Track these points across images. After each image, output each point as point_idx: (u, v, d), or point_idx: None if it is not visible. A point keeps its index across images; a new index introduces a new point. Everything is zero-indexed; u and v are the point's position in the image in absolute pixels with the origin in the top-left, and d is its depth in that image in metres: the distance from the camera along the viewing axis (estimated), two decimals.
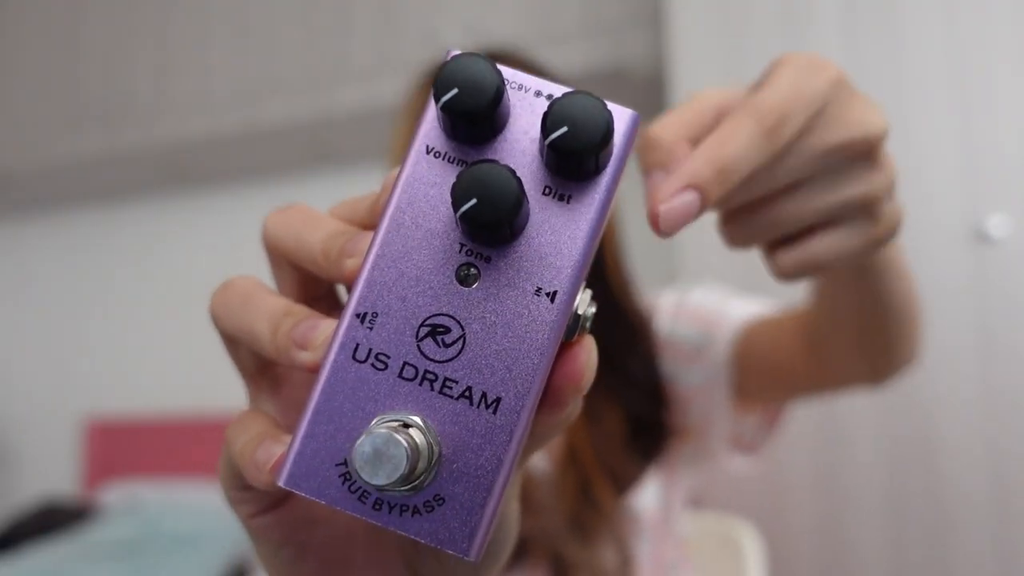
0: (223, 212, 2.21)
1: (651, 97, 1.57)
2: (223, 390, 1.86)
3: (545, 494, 0.66)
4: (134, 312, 2.26)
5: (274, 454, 0.21)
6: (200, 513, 1.76)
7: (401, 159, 0.21)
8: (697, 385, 0.70)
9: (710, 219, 0.37)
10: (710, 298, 0.74)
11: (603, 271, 0.74)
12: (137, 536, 1.69)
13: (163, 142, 1.93)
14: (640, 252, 1.05)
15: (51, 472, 2.27)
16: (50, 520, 1.88)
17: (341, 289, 0.27)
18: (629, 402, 0.70)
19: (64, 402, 2.28)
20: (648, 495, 0.71)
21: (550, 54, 1.46)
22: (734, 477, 1.09)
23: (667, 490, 0.73)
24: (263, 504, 0.25)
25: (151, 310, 2.24)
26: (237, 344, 0.25)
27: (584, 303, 0.21)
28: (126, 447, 2.12)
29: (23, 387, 2.36)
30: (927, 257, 1.06)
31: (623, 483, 0.68)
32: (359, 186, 2.03)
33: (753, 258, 1.20)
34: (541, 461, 0.69)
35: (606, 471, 0.67)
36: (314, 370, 0.20)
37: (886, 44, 1.13)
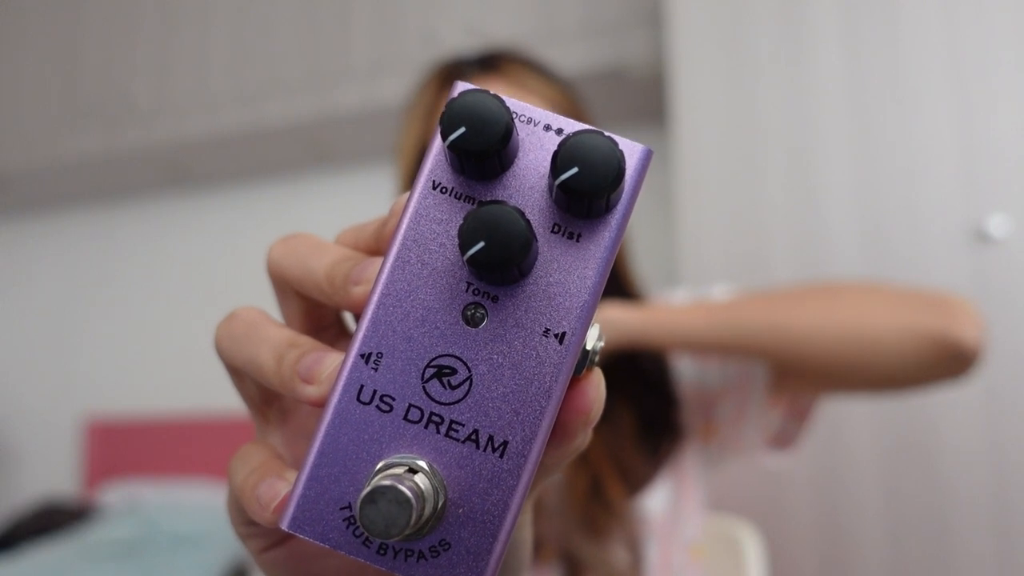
0: (223, 212, 2.21)
1: (651, 97, 1.57)
2: (223, 390, 1.86)
3: (555, 494, 0.66)
4: (134, 312, 2.26)
5: (278, 492, 0.20)
6: (200, 513, 1.76)
7: (408, 193, 0.20)
8: (730, 382, 0.71)
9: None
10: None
11: (612, 270, 0.74)
12: (137, 536, 1.69)
13: (163, 142, 1.93)
14: (641, 252, 1.05)
15: (51, 472, 2.26)
16: (50, 520, 1.88)
17: (349, 318, 0.27)
18: (640, 401, 0.70)
19: (64, 402, 2.28)
20: (656, 498, 0.71)
21: (550, 54, 1.46)
22: (735, 477, 1.09)
23: (677, 494, 0.73)
24: (273, 539, 0.24)
25: (151, 310, 2.24)
26: (242, 376, 0.25)
27: (592, 338, 0.20)
28: (126, 447, 2.12)
29: (23, 387, 2.35)
30: (927, 257, 1.06)
31: (634, 482, 0.68)
32: (358, 186, 2.03)
33: (753, 258, 1.20)
34: None
35: (617, 470, 0.67)
36: (319, 405, 0.20)
37: (886, 44, 1.12)
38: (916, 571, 1.02)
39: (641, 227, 1.37)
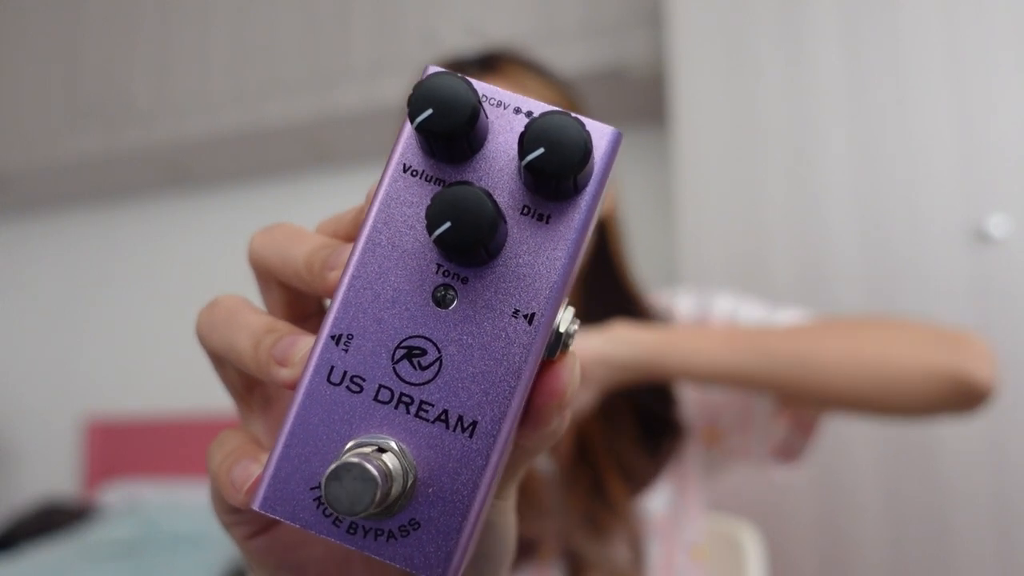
0: (223, 212, 2.21)
1: (651, 97, 1.57)
2: (223, 390, 1.86)
3: (554, 493, 0.66)
4: (134, 312, 2.26)
5: (251, 474, 0.20)
6: (200, 513, 1.76)
7: (379, 176, 0.20)
8: (736, 394, 0.71)
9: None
10: (753, 312, 0.73)
11: (612, 266, 0.74)
12: (137, 536, 1.69)
13: (163, 142, 1.93)
14: (641, 252, 1.05)
15: (51, 472, 2.26)
16: (50, 520, 1.88)
17: None
18: (639, 398, 0.70)
19: (64, 402, 2.28)
20: (658, 499, 0.70)
21: (550, 54, 1.46)
22: (735, 478, 1.09)
23: (679, 495, 0.72)
24: (256, 526, 0.24)
25: (151, 310, 2.24)
26: (223, 363, 0.25)
27: (566, 321, 0.20)
28: (126, 447, 2.12)
29: (23, 387, 2.36)
30: (927, 257, 1.06)
31: (635, 481, 0.68)
32: (358, 186, 2.03)
33: (753, 258, 1.20)
34: (550, 462, 0.69)
35: (618, 468, 0.67)
36: (293, 387, 0.20)
37: (886, 44, 1.12)
38: (916, 571, 1.02)
39: (641, 227, 1.37)
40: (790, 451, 0.72)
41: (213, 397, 2.02)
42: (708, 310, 0.75)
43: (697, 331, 0.64)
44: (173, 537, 1.69)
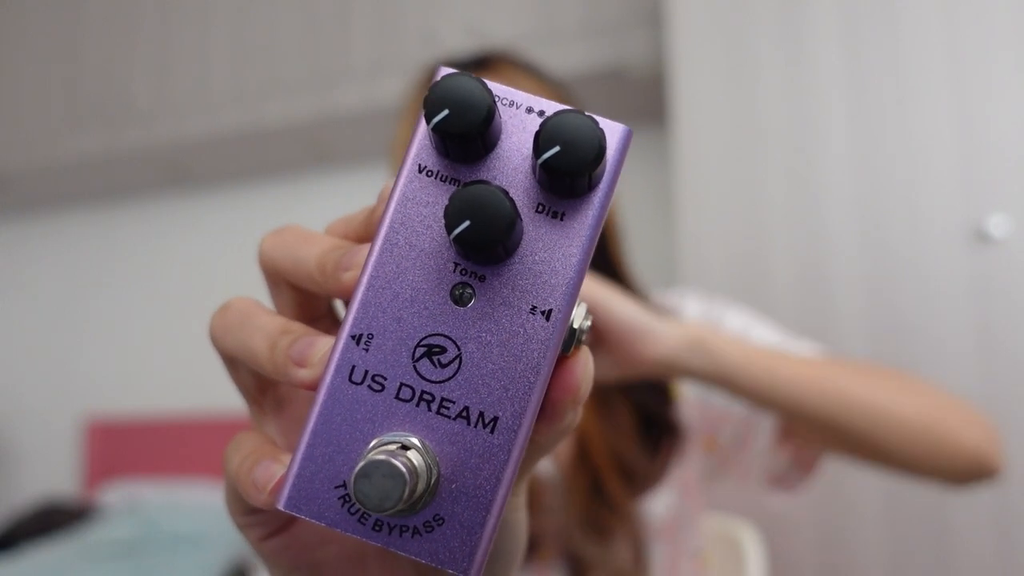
0: (223, 212, 2.21)
1: (651, 97, 1.57)
2: (223, 390, 1.86)
3: (555, 494, 0.66)
4: (134, 312, 2.26)
5: (273, 474, 0.21)
6: (200, 513, 1.76)
7: (394, 177, 0.21)
8: (737, 413, 0.70)
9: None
10: (766, 336, 0.72)
11: (612, 267, 0.74)
12: (137, 536, 1.69)
13: (163, 142, 1.93)
14: (641, 252, 1.05)
15: (51, 472, 2.27)
16: (50, 520, 1.88)
17: (340, 308, 0.27)
18: (638, 396, 0.69)
19: (64, 402, 2.28)
20: (661, 502, 0.70)
21: (550, 54, 1.46)
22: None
23: (682, 499, 0.72)
24: (272, 527, 0.25)
25: (151, 310, 2.24)
26: (237, 365, 0.25)
27: (579, 317, 0.21)
28: (126, 447, 2.12)
29: (23, 387, 2.36)
30: (927, 257, 1.06)
31: (636, 482, 0.68)
32: (358, 186, 2.03)
33: (753, 258, 1.20)
34: (549, 462, 0.69)
35: (618, 469, 0.67)
36: (312, 388, 0.20)
37: (886, 44, 1.12)
38: (916, 572, 1.02)
39: (641, 227, 1.37)
40: (788, 482, 0.71)
41: (213, 397, 2.02)
42: (718, 324, 0.74)
43: (777, 355, 0.60)
44: (173, 537, 1.69)
